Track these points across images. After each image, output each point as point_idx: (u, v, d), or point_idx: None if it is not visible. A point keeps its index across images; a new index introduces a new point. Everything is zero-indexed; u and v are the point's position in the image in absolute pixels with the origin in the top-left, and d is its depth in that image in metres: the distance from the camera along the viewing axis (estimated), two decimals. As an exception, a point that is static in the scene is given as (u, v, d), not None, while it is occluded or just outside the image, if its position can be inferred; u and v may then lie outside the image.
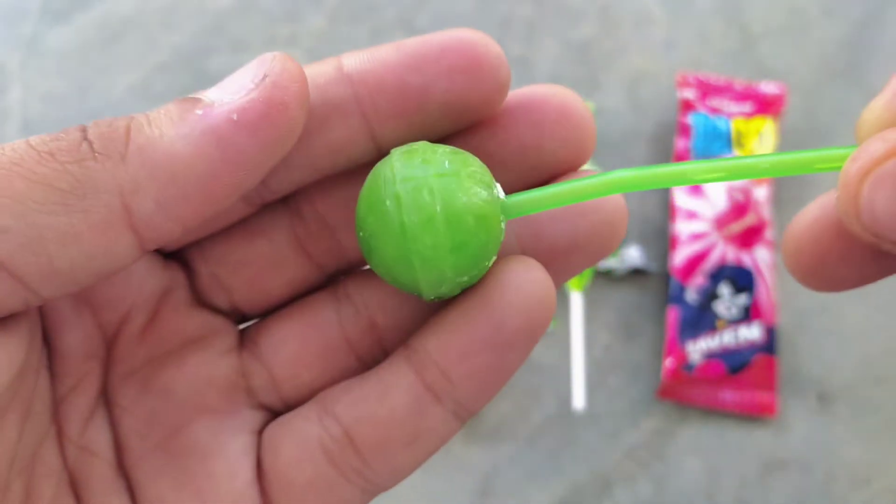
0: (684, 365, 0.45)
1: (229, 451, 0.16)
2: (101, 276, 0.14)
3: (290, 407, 0.17)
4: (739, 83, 0.50)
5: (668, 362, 0.45)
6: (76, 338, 0.16)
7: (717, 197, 0.47)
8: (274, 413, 0.17)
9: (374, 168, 0.15)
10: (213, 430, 0.16)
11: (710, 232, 0.47)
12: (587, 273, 0.47)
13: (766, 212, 0.47)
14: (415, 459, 0.16)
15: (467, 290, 0.15)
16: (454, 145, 0.16)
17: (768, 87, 0.49)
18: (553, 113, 0.16)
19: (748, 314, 0.46)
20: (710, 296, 0.46)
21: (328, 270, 0.17)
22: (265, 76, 0.14)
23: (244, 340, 0.17)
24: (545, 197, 0.15)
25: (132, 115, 0.14)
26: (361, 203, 0.15)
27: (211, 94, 0.14)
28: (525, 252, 0.16)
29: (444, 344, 0.15)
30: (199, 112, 0.14)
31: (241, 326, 0.18)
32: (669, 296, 0.46)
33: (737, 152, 0.48)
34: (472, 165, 0.15)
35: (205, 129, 0.13)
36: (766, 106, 0.49)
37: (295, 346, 0.17)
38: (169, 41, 0.51)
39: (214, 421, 0.17)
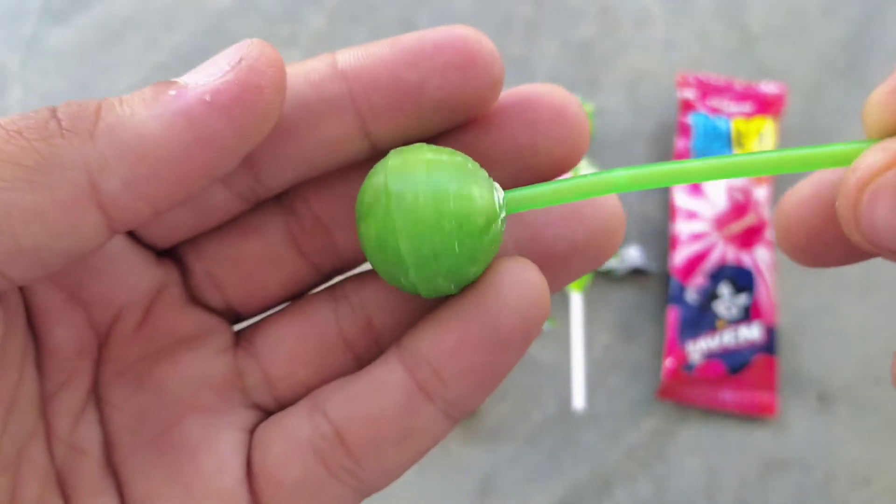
0: (684, 365, 0.45)
1: (219, 449, 0.16)
2: (70, 256, 0.14)
3: (283, 406, 0.17)
4: (739, 83, 0.50)
5: (668, 362, 0.45)
6: (67, 334, 0.16)
7: (717, 197, 0.47)
8: (268, 412, 0.17)
9: (373, 168, 0.15)
10: (203, 428, 0.16)
11: (710, 232, 0.47)
12: (587, 273, 0.47)
13: (766, 212, 0.47)
14: (406, 459, 0.16)
15: (463, 289, 0.15)
16: (448, 143, 0.16)
17: (768, 87, 0.49)
18: (548, 112, 0.16)
19: (748, 314, 0.46)
20: (710, 296, 0.46)
21: (323, 270, 0.17)
22: (241, 59, 0.14)
23: (239, 340, 0.17)
24: (545, 193, 0.15)
25: (106, 98, 0.14)
26: (359, 203, 0.15)
27: (187, 77, 0.14)
28: (523, 256, 0.16)
29: (437, 343, 0.15)
30: (173, 93, 0.14)
31: (237, 328, 0.18)
32: (669, 296, 0.46)
33: (737, 152, 0.48)
34: (467, 165, 0.15)
35: (177, 110, 0.13)
36: (766, 106, 0.49)
37: (291, 344, 0.17)
38: (169, 41, 0.51)
39: (206, 419, 0.16)
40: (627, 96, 0.50)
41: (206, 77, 0.14)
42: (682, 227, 0.47)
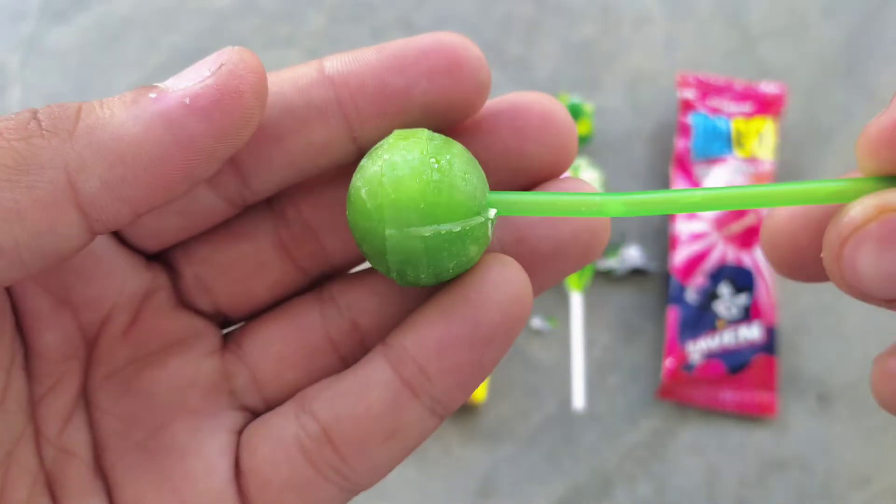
0: (684, 365, 0.45)
1: (207, 451, 0.16)
2: (50, 257, 0.14)
3: (272, 408, 0.17)
4: (739, 83, 0.50)
5: (668, 362, 0.45)
6: (55, 338, 0.16)
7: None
8: (256, 414, 0.17)
9: (376, 144, 0.15)
10: (192, 430, 0.16)
11: (709, 232, 0.47)
12: (587, 273, 0.47)
13: (766, 212, 0.47)
14: (393, 456, 0.16)
15: (446, 286, 0.15)
16: None
17: (768, 87, 0.49)
18: (536, 119, 0.16)
19: (748, 314, 0.46)
20: (710, 296, 0.46)
21: (312, 274, 0.17)
22: (222, 65, 0.14)
23: (227, 342, 0.17)
24: (528, 202, 0.15)
25: (87, 101, 0.14)
26: (352, 184, 0.15)
27: (169, 82, 0.14)
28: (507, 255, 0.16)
29: (422, 340, 0.15)
30: (153, 96, 0.14)
31: (225, 331, 0.18)
32: (669, 296, 0.46)
33: (737, 152, 0.48)
34: (463, 156, 0.15)
35: (156, 112, 0.13)
36: (765, 106, 0.49)
37: (278, 346, 0.17)
38: (169, 41, 0.51)
39: (194, 421, 0.17)
40: (627, 96, 0.50)
41: (187, 81, 0.14)
42: (682, 227, 0.47)
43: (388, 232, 0.14)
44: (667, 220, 0.48)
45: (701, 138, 0.48)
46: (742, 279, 0.46)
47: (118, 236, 0.17)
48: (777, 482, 0.44)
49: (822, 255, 0.14)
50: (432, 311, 0.15)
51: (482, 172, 0.15)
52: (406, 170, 0.14)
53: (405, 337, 0.15)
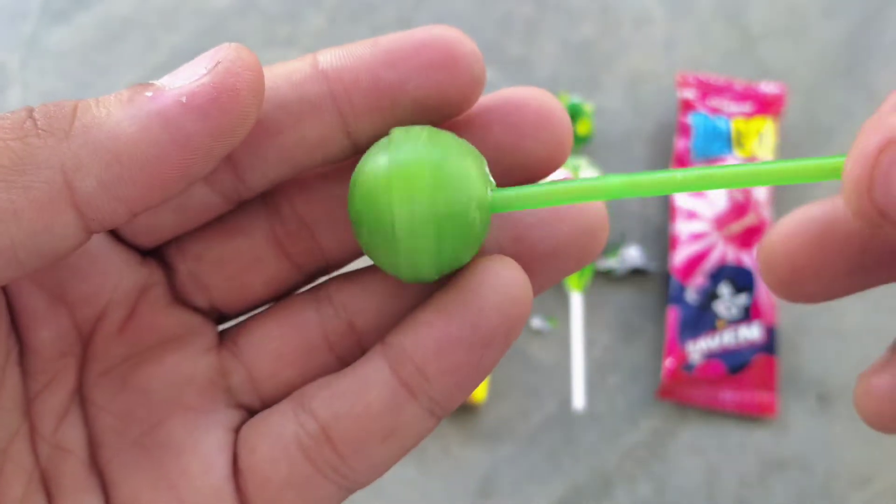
0: (684, 365, 0.45)
1: (204, 448, 0.16)
2: (46, 256, 0.14)
3: (268, 406, 0.17)
4: (739, 83, 0.50)
5: (668, 362, 0.45)
6: (50, 335, 0.16)
7: (717, 197, 0.47)
8: (252, 412, 0.17)
9: (377, 142, 0.15)
10: (188, 428, 0.16)
11: (710, 232, 0.47)
12: (587, 273, 0.47)
13: (766, 212, 0.47)
14: (391, 455, 0.16)
15: (445, 287, 0.15)
16: None
17: (768, 87, 0.49)
18: (531, 115, 0.16)
19: (748, 314, 0.46)
20: (710, 296, 0.46)
21: (307, 270, 0.17)
22: (218, 63, 0.14)
23: (223, 339, 0.17)
24: (533, 194, 0.15)
25: (83, 99, 0.14)
26: (357, 172, 0.15)
27: (165, 80, 0.14)
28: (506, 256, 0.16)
29: (421, 340, 0.15)
30: (149, 94, 0.14)
31: (221, 327, 0.18)
32: (669, 296, 0.46)
33: (737, 152, 0.48)
34: (470, 152, 0.15)
35: (152, 111, 0.13)
36: (766, 106, 0.49)
37: (275, 344, 0.17)
38: (169, 41, 0.51)
39: (191, 418, 0.17)
40: (627, 96, 0.50)
41: (183, 80, 0.14)
42: (682, 227, 0.47)
43: (396, 210, 0.14)
44: (667, 220, 0.48)
45: (701, 138, 0.48)
46: (742, 279, 0.46)
47: (113, 233, 0.17)
48: (777, 482, 0.44)
49: (846, 168, 0.13)
50: (431, 311, 0.15)
51: (485, 163, 0.15)
52: (412, 157, 0.14)
53: (404, 337, 0.15)
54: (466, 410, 0.45)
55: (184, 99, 0.13)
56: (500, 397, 0.45)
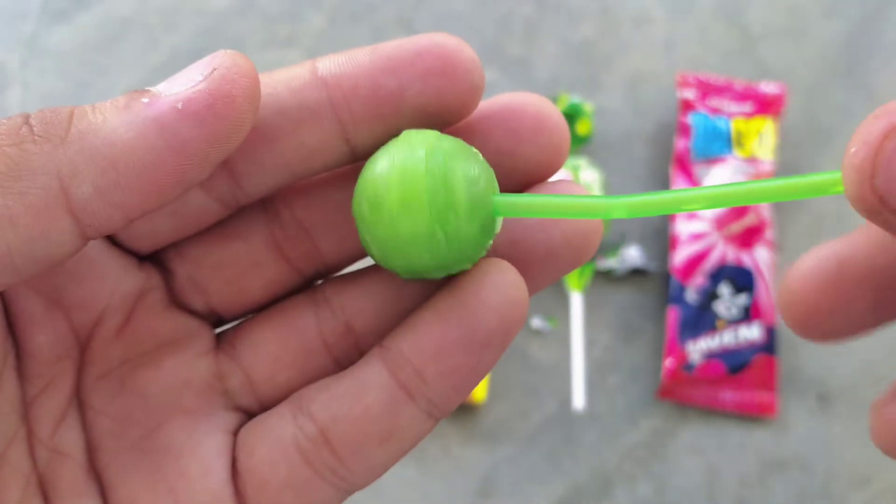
0: (684, 365, 0.45)
1: (203, 451, 0.16)
2: (43, 262, 0.14)
3: (266, 408, 0.17)
4: (739, 83, 0.50)
5: (668, 362, 0.45)
6: (47, 339, 0.16)
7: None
8: (250, 415, 0.17)
9: (386, 143, 0.15)
10: (187, 431, 0.16)
11: (710, 232, 0.47)
12: (587, 273, 0.47)
13: (766, 212, 0.47)
14: (389, 457, 0.16)
15: (443, 290, 0.16)
16: None
17: (768, 87, 0.49)
18: (529, 120, 0.16)
19: (748, 314, 0.46)
20: (710, 296, 0.46)
21: (306, 274, 0.17)
22: (214, 69, 0.14)
23: (221, 343, 0.17)
24: (538, 203, 0.15)
25: (80, 105, 0.14)
26: (364, 171, 0.15)
27: (161, 86, 0.14)
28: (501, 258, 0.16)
29: (419, 343, 0.15)
30: (145, 101, 0.14)
31: (218, 330, 0.18)
32: (669, 296, 0.46)
33: (737, 152, 0.48)
34: (476, 157, 0.15)
35: (148, 117, 0.13)
36: (766, 106, 0.49)
37: (272, 347, 0.17)
38: (169, 41, 0.51)
39: (189, 421, 0.17)
40: (627, 96, 0.50)
41: (180, 86, 0.14)
42: (682, 227, 0.47)
43: (400, 211, 0.14)
44: (667, 220, 0.48)
45: (701, 138, 0.48)
46: (742, 279, 0.46)
47: (111, 238, 0.17)
48: (777, 482, 0.44)
49: (847, 156, 0.13)
50: (429, 314, 0.15)
51: (492, 171, 0.15)
52: (419, 159, 0.14)
53: (402, 340, 0.15)
54: (466, 410, 0.45)
55: (180, 105, 0.14)
56: (500, 397, 0.45)
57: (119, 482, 0.16)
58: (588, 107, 0.49)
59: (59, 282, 0.16)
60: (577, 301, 0.46)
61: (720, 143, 0.48)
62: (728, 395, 0.45)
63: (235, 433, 0.17)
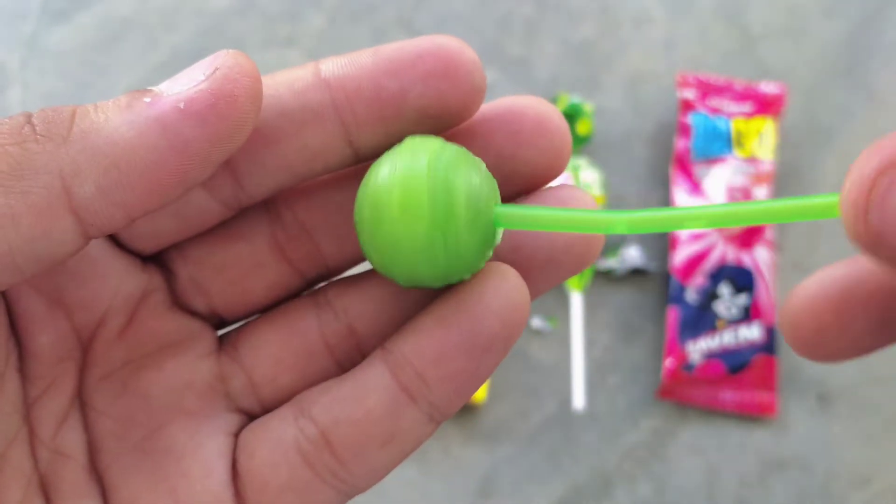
0: (684, 365, 0.45)
1: (204, 453, 0.16)
2: (45, 262, 0.14)
3: (267, 410, 0.17)
4: (739, 83, 0.50)
5: (668, 362, 0.45)
6: (49, 340, 0.16)
7: (717, 196, 0.47)
8: (252, 417, 0.17)
9: (385, 153, 0.15)
10: (188, 432, 0.16)
11: (710, 232, 0.47)
12: (587, 273, 0.47)
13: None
14: (390, 460, 0.16)
15: (445, 294, 0.16)
16: None
17: (768, 87, 0.49)
18: (530, 123, 0.16)
19: (748, 314, 0.46)
20: (710, 296, 0.46)
21: (308, 276, 0.17)
22: (216, 69, 0.14)
23: (223, 344, 0.17)
24: (538, 216, 0.15)
25: (82, 104, 0.14)
26: (367, 178, 0.15)
27: (163, 86, 0.14)
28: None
29: (420, 347, 0.15)
30: (147, 100, 0.14)
31: (221, 332, 0.18)
32: (669, 296, 0.46)
33: (737, 152, 0.48)
34: (478, 167, 0.15)
35: (150, 117, 0.14)
36: (766, 106, 0.49)
37: (274, 349, 0.17)
38: (169, 41, 0.51)
39: (191, 423, 0.17)
40: (627, 96, 0.50)
41: (182, 86, 0.14)
42: (682, 227, 0.47)
43: (400, 219, 0.14)
44: (667, 220, 0.48)
45: (701, 138, 0.48)
46: (742, 279, 0.46)
47: (113, 238, 0.17)
48: (777, 482, 0.44)
49: (843, 191, 0.13)
50: (431, 318, 0.15)
51: (494, 181, 0.15)
52: (421, 167, 0.14)
53: (404, 342, 0.15)
54: (467, 411, 0.45)
55: (182, 105, 0.14)
56: (501, 397, 0.45)
57: (120, 483, 0.16)
58: (588, 107, 0.49)
59: (62, 282, 0.16)
60: (577, 301, 0.46)
61: (720, 143, 0.48)
62: (728, 395, 0.45)
63: (237, 435, 0.17)
